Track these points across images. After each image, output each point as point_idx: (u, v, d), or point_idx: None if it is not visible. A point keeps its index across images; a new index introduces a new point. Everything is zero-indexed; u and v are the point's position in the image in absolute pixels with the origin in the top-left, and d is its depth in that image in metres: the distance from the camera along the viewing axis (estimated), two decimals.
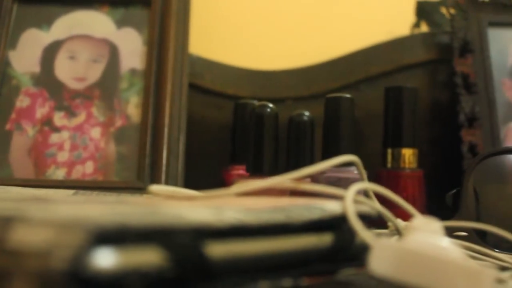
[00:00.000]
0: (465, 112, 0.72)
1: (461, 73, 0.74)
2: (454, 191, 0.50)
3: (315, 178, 0.60)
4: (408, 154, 0.65)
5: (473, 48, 0.75)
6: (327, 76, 0.76)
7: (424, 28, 0.82)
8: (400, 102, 0.66)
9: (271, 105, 0.58)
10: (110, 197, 0.41)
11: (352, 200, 0.33)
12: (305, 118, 0.67)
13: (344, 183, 0.60)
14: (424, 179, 0.69)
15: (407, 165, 0.65)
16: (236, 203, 0.31)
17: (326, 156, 0.62)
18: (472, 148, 0.70)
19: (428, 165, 0.74)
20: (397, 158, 0.65)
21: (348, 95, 0.61)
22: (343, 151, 0.61)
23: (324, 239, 0.32)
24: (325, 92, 0.70)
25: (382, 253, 0.29)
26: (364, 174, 0.42)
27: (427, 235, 0.31)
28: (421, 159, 0.74)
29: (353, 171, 0.61)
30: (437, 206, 0.53)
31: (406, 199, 0.64)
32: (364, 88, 0.75)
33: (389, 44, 0.78)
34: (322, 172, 0.60)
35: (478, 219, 0.51)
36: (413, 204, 0.64)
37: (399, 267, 0.29)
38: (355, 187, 0.35)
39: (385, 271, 0.29)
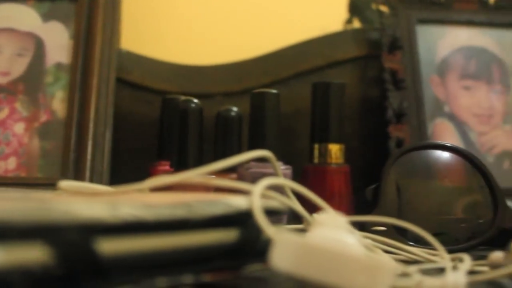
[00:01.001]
0: (393, 108, 0.73)
1: (390, 69, 0.74)
2: (374, 186, 0.50)
3: (240, 174, 0.60)
4: (334, 149, 0.65)
5: (402, 44, 0.76)
6: (257, 71, 0.76)
7: (356, 24, 0.82)
8: (327, 97, 0.66)
9: (196, 100, 0.58)
10: (15, 194, 0.40)
11: (259, 195, 0.33)
12: (233, 113, 0.66)
13: None
14: (355, 174, 0.69)
15: (333, 160, 0.65)
16: (137, 199, 0.31)
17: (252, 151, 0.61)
18: (400, 144, 0.71)
19: (359, 160, 0.75)
20: (323, 153, 0.65)
21: (274, 91, 0.61)
22: (268, 146, 0.60)
23: (229, 235, 0.32)
24: (255, 87, 0.70)
25: (283, 248, 0.29)
26: (279, 169, 0.42)
27: (330, 230, 0.31)
28: (352, 154, 0.74)
29: (283, 168, 0.61)
30: (366, 201, 0.53)
31: (333, 194, 0.65)
32: (294, 84, 0.75)
33: (320, 40, 0.78)
34: (247, 168, 0.60)
35: (399, 214, 0.51)
36: (340, 199, 0.65)
37: (300, 262, 0.29)
38: (264, 182, 0.35)
39: (286, 266, 0.29)
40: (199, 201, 0.31)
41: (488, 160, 0.76)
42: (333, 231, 0.30)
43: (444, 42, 0.78)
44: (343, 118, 0.66)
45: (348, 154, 0.72)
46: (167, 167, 0.62)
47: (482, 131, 0.76)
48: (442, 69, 0.77)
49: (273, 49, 0.77)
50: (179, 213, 0.29)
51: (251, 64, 0.76)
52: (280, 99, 0.61)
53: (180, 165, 0.57)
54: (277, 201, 0.36)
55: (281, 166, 0.61)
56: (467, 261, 0.36)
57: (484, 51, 0.79)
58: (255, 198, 0.32)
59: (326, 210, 0.38)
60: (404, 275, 0.34)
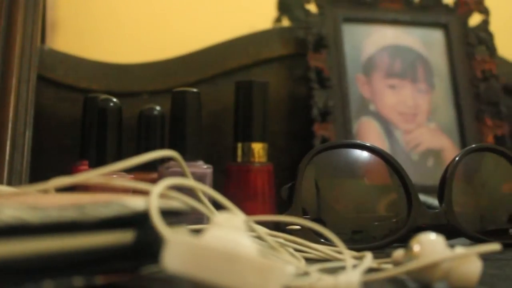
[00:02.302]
0: (318, 106, 0.73)
1: (315, 68, 0.75)
2: (289, 184, 0.50)
3: (160, 173, 0.60)
4: (257, 148, 0.66)
5: (328, 43, 0.76)
6: (184, 70, 0.75)
7: (286, 23, 0.82)
8: (250, 96, 0.66)
9: (115, 99, 0.57)
10: None
11: (157, 195, 0.33)
12: (155, 112, 0.66)
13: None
14: (282, 173, 0.69)
15: (256, 159, 0.65)
16: (27, 201, 0.30)
17: (172, 150, 0.61)
18: (324, 142, 0.71)
19: (286, 158, 0.75)
20: (247, 152, 0.65)
21: (194, 90, 0.61)
22: (189, 145, 0.60)
23: (125, 236, 0.31)
24: (182, 86, 0.69)
25: (175, 249, 0.29)
26: (186, 169, 0.42)
27: (226, 230, 0.31)
28: (279, 153, 0.74)
29: (201, 166, 0.61)
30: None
31: (256, 193, 0.65)
32: (221, 82, 0.75)
33: (247, 38, 0.78)
34: (167, 167, 0.59)
35: (318, 212, 0.51)
36: (263, 197, 0.65)
37: (191, 263, 0.29)
38: (164, 183, 0.34)
39: (177, 267, 0.29)
40: (93, 202, 0.31)
41: (413, 158, 0.77)
42: (228, 231, 0.30)
43: (370, 41, 0.79)
44: (266, 117, 0.67)
45: (275, 153, 0.72)
46: (86, 167, 0.61)
47: (407, 129, 0.77)
48: (368, 68, 0.78)
49: (200, 48, 0.76)
50: (69, 214, 0.29)
51: (177, 63, 0.75)
52: (201, 98, 0.60)
53: (98, 164, 0.56)
54: (179, 202, 0.36)
55: (202, 165, 0.60)
56: (367, 260, 0.37)
57: (409, 50, 0.80)
58: (152, 198, 0.32)
59: (229, 211, 0.38)
60: (306, 274, 0.34)
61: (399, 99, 0.78)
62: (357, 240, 0.51)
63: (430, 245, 0.34)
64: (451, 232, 0.53)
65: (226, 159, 0.67)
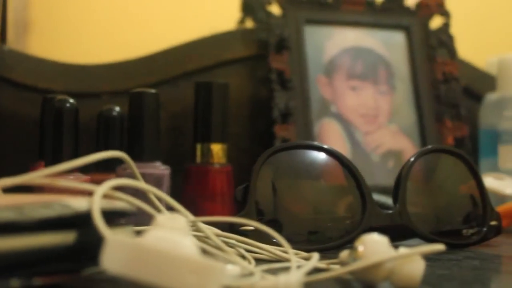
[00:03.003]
0: (279, 108, 0.73)
1: (276, 70, 0.75)
2: (243, 186, 0.50)
3: (118, 174, 0.59)
4: (217, 149, 0.66)
5: (290, 45, 0.76)
6: (144, 71, 0.75)
7: (250, 24, 0.82)
8: (210, 97, 0.66)
9: (71, 100, 0.57)
10: None
11: (100, 196, 0.32)
12: (115, 113, 0.66)
13: (148, 180, 0.59)
14: (244, 174, 0.69)
15: (216, 161, 0.66)
16: None
17: (130, 152, 0.61)
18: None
19: (249, 160, 0.75)
20: (206, 153, 0.65)
21: (152, 90, 0.61)
22: (146, 146, 0.60)
23: (66, 237, 0.31)
24: (143, 86, 0.69)
25: (114, 249, 0.29)
26: (135, 170, 0.42)
27: (167, 231, 0.30)
28: (242, 154, 0.74)
29: (159, 167, 0.61)
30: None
31: (215, 194, 0.65)
32: (182, 84, 0.75)
33: (209, 40, 0.78)
34: (124, 168, 0.59)
35: (274, 213, 0.51)
36: (222, 199, 0.65)
37: (130, 263, 0.29)
38: (109, 184, 0.34)
39: (116, 268, 0.29)
40: (33, 203, 0.31)
41: (374, 159, 0.77)
42: (169, 232, 0.30)
43: (331, 43, 0.79)
44: (226, 118, 0.67)
45: (237, 154, 0.72)
46: (42, 167, 0.60)
47: (368, 130, 0.78)
48: (330, 69, 0.78)
49: (161, 48, 0.76)
50: (7, 215, 0.29)
51: (139, 63, 0.75)
52: (160, 99, 0.60)
53: (54, 165, 0.56)
54: (125, 202, 0.36)
55: (160, 166, 0.60)
56: (313, 260, 0.37)
57: (370, 52, 0.80)
58: (95, 199, 0.32)
59: (174, 211, 0.38)
60: (251, 274, 0.34)
61: (360, 101, 0.78)
62: (313, 241, 0.51)
63: (373, 246, 0.35)
64: (406, 232, 0.54)
65: (187, 160, 0.67)
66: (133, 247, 0.29)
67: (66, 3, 0.82)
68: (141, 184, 0.36)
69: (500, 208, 0.67)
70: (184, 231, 0.31)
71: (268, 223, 0.50)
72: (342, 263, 0.37)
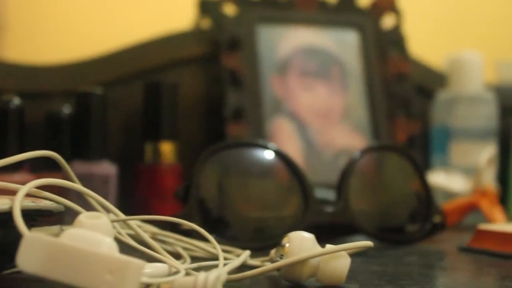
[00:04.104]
0: (231, 106, 0.73)
1: (229, 68, 0.75)
2: (185, 184, 0.50)
3: (64, 174, 0.59)
4: (166, 148, 0.66)
5: (242, 43, 0.76)
6: (97, 70, 0.75)
7: (206, 24, 0.82)
8: (159, 97, 0.66)
9: (17, 99, 0.57)
10: None
11: (22, 195, 0.32)
12: (64, 113, 0.66)
13: (96, 179, 0.59)
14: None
15: (165, 160, 0.66)
16: None
17: (76, 151, 0.61)
18: None
19: None
20: (155, 152, 0.66)
21: (98, 91, 0.61)
22: (94, 145, 0.60)
23: None
24: (95, 86, 0.69)
25: (30, 248, 0.29)
26: (68, 169, 0.42)
27: (86, 229, 0.31)
28: (195, 153, 0.74)
29: (106, 166, 0.61)
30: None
31: (164, 193, 0.65)
32: (135, 83, 0.74)
33: (163, 39, 0.78)
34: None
35: (219, 211, 0.52)
36: (171, 198, 0.65)
37: (47, 262, 0.29)
38: (33, 183, 0.34)
39: (32, 267, 0.29)
40: None
41: (326, 157, 0.77)
42: (88, 231, 0.30)
43: (285, 42, 0.79)
44: (176, 118, 0.67)
45: (191, 153, 0.72)
46: None
47: (320, 129, 0.78)
48: (283, 68, 0.78)
49: (115, 48, 0.76)
50: None
51: (91, 63, 0.75)
52: (112, 98, 0.61)
53: None
54: (51, 202, 0.36)
55: (107, 165, 0.60)
56: (241, 257, 0.37)
57: (324, 51, 0.81)
58: (16, 198, 0.32)
59: (102, 210, 0.38)
60: (177, 272, 0.35)
61: (313, 99, 0.78)
62: (258, 239, 0.51)
63: (299, 243, 0.35)
64: (350, 229, 0.54)
65: (140, 160, 0.67)
66: (49, 246, 0.29)
67: (19, 2, 0.82)
68: (65, 182, 0.36)
69: (448, 205, 0.68)
70: (106, 229, 0.31)
71: (213, 221, 0.50)
72: (271, 261, 0.37)
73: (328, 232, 0.54)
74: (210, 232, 0.48)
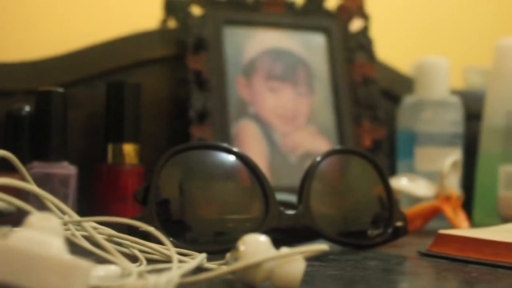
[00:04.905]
0: (196, 108, 0.73)
1: (194, 70, 0.74)
2: (144, 186, 0.50)
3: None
4: (128, 150, 0.65)
5: (208, 45, 0.76)
6: (61, 69, 0.74)
7: (172, 24, 0.82)
8: (122, 97, 0.65)
9: None
10: None
11: None
12: (24, 112, 0.65)
13: (52, 180, 0.58)
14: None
15: (127, 161, 0.65)
16: None
17: (36, 151, 0.60)
18: None
19: None
20: (117, 154, 0.65)
21: (59, 90, 0.60)
22: (54, 146, 0.59)
23: None
24: (58, 85, 0.68)
25: None
26: (23, 170, 0.41)
27: (35, 231, 0.30)
28: (160, 154, 0.74)
29: (66, 167, 0.60)
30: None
31: (126, 194, 0.64)
32: (99, 83, 0.74)
33: (127, 39, 0.77)
34: (29, 168, 0.58)
35: (181, 213, 0.51)
36: (133, 199, 0.64)
37: None
38: None
39: None
40: None
41: (292, 160, 0.77)
42: (37, 232, 0.30)
43: (251, 44, 0.79)
44: (138, 119, 0.66)
45: (155, 155, 0.71)
46: None
47: (286, 132, 0.78)
48: (249, 70, 0.78)
49: (78, 47, 0.75)
50: None
51: (54, 62, 0.74)
52: (66, 97, 0.60)
53: None
54: (5, 202, 0.35)
55: (67, 166, 0.60)
56: (195, 261, 0.37)
57: (290, 54, 0.81)
58: None
59: (54, 211, 0.37)
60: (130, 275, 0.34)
61: (279, 102, 0.78)
62: (219, 242, 0.51)
63: (254, 246, 0.34)
64: (311, 233, 0.54)
65: (102, 161, 0.67)
66: None
67: None
68: (18, 183, 0.35)
69: (411, 210, 0.68)
70: (56, 231, 0.31)
71: (173, 224, 0.50)
72: (226, 264, 0.37)
73: (291, 236, 0.54)
74: (170, 235, 0.48)
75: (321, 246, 0.35)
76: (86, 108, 0.73)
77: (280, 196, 0.73)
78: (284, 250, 0.34)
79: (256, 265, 0.34)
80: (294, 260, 0.34)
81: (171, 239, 0.47)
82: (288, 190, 0.64)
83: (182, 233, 0.49)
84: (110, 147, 0.65)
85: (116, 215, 0.62)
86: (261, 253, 0.34)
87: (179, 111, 0.76)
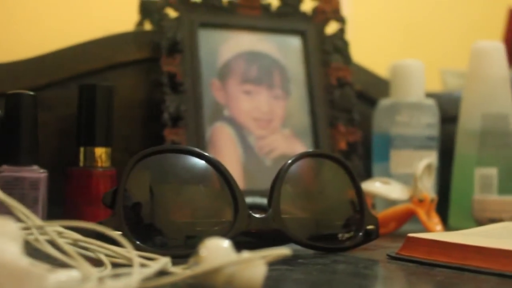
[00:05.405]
0: (169, 111, 0.73)
1: (168, 73, 0.74)
2: (113, 189, 0.49)
3: None
4: (100, 152, 0.65)
5: (183, 48, 0.76)
6: (34, 72, 0.73)
7: (148, 26, 0.81)
8: (94, 100, 0.65)
9: None
10: None
11: None
12: None
13: (21, 183, 0.58)
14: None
15: (99, 164, 0.65)
16: None
17: (6, 155, 0.59)
18: None
19: None
20: (89, 157, 0.65)
21: (30, 92, 0.60)
22: (23, 149, 0.59)
23: None
24: (32, 88, 0.67)
25: None
26: None
27: None
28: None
29: (36, 170, 0.59)
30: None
31: (98, 198, 0.64)
32: (73, 86, 0.73)
33: (101, 41, 0.76)
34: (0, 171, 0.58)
35: (149, 218, 0.51)
36: None
37: None
38: None
39: None
40: None
41: (266, 163, 0.77)
42: None
43: (226, 47, 0.79)
44: (111, 121, 0.66)
45: (128, 157, 0.71)
46: None
47: (261, 135, 0.78)
48: (224, 73, 0.78)
49: (51, 50, 0.75)
50: None
51: (28, 65, 0.73)
52: (36, 100, 0.59)
53: None
54: None
55: (37, 170, 0.59)
56: (156, 265, 0.36)
57: (266, 57, 0.80)
58: None
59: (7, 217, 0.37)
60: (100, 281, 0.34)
61: (254, 105, 0.78)
62: (189, 246, 0.50)
63: (214, 250, 0.34)
64: (281, 237, 0.54)
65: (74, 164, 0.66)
66: None
67: None
68: None
69: (384, 213, 0.68)
70: (13, 236, 0.31)
71: (141, 228, 0.49)
72: (189, 268, 0.36)
73: (263, 240, 0.54)
74: (139, 239, 0.48)
75: (283, 251, 0.35)
76: (59, 111, 0.73)
77: (254, 200, 0.73)
78: (245, 254, 0.34)
79: (217, 270, 0.33)
80: (255, 265, 0.34)
81: (138, 242, 0.47)
82: (263, 193, 0.64)
83: (151, 237, 0.49)
84: (81, 150, 0.65)
85: (88, 219, 0.62)
86: (221, 258, 0.34)
87: (153, 114, 0.75)
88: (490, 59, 0.82)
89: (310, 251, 0.53)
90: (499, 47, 0.83)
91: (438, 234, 0.54)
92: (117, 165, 0.67)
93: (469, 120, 0.83)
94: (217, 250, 0.34)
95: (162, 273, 0.38)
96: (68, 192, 0.65)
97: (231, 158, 0.75)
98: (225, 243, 0.35)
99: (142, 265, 0.39)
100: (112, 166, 0.66)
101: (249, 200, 0.72)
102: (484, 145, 0.82)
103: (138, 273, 0.33)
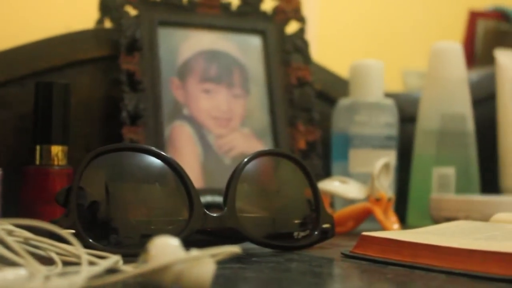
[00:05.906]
0: (128, 109, 0.72)
1: (127, 71, 0.74)
2: (66, 188, 0.49)
3: None
4: (57, 151, 0.64)
5: (142, 46, 0.75)
6: None
7: (108, 24, 0.81)
8: (50, 98, 0.64)
9: None
10: None
11: None
12: None
13: None
14: None
15: (55, 162, 0.64)
16: None
17: None
18: None
19: None
20: (45, 155, 0.64)
21: None
22: None
23: None
24: None
25: None
26: None
27: None
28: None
29: None
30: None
31: (54, 196, 0.63)
32: (30, 84, 0.72)
33: (60, 39, 0.76)
34: None
35: (104, 216, 0.50)
36: None
37: None
38: None
39: None
40: None
41: (226, 162, 0.77)
42: None
43: (186, 45, 0.79)
44: (67, 120, 0.65)
45: None
46: None
47: (220, 133, 0.78)
48: (183, 72, 0.78)
49: (8, 47, 0.74)
50: None
51: None
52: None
53: None
54: None
55: None
56: (104, 264, 0.36)
57: (225, 56, 0.80)
58: None
59: None
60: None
61: (213, 104, 0.78)
62: (144, 244, 0.50)
63: (162, 248, 0.34)
64: (237, 236, 0.54)
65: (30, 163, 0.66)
66: None
67: None
68: None
69: (341, 212, 0.69)
70: None
71: (95, 226, 0.49)
72: (138, 266, 0.36)
73: (220, 239, 0.54)
74: (93, 237, 0.48)
75: (233, 249, 0.35)
76: (17, 109, 0.72)
77: (213, 198, 0.73)
78: (194, 252, 0.34)
79: (164, 268, 0.33)
80: (204, 263, 0.34)
81: (91, 240, 0.47)
82: (222, 192, 0.64)
83: (106, 236, 0.49)
84: (38, 148, 0.64)
85: (45, 218, 0.61)
86: (169, 256, 0.34)
87: (112, 112, 0.75)
88: (449, 60, 0.83)
89: (266, 250, 0.53)
90: (457, 48, 0.84)
91: (391, 232, 0.54)
92: (76, 164, 0.66)
93: (427, 120, 0.84)
94: (165, 248, 0.34)
95: (112, 271, 0.38)
96: (24, 191, 0.64)
97: (190, 157, 0.75)
98: (174, 241, 0.35)
99: (92, 263, 0.39)
100: (70, 165, 0.65)
101: (208, 198, 0.73)
102: (442, 145, 0.83)
103: (86, 271, 0.33)
